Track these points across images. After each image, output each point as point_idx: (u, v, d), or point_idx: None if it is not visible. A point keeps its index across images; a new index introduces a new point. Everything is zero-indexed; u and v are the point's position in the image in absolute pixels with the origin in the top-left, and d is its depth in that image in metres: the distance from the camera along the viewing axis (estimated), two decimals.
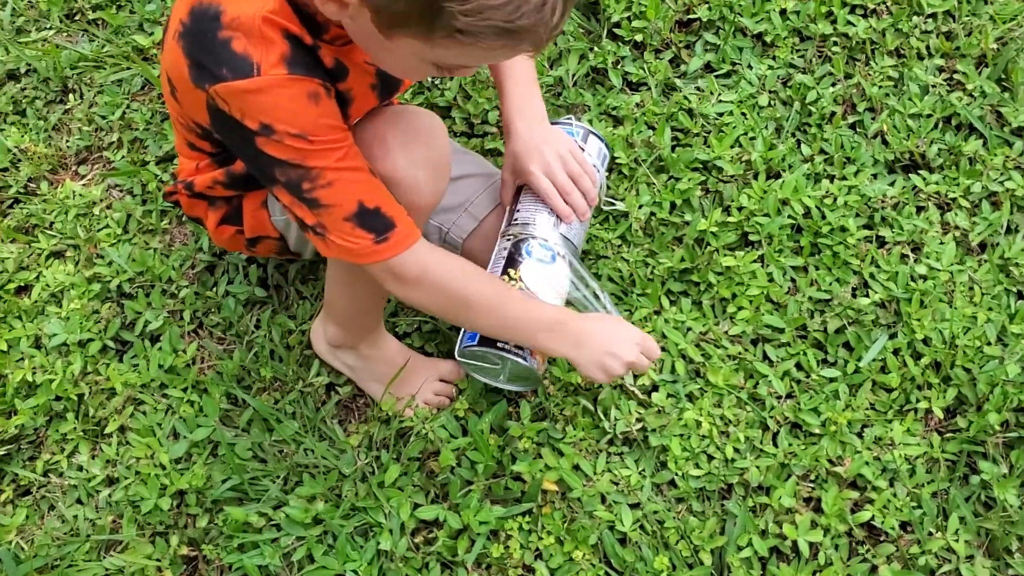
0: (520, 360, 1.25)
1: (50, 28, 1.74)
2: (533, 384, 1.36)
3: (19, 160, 1.62)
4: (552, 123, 1.37)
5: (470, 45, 0.91)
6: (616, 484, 1.35)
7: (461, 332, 1.29)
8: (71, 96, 1.68)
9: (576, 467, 1.36)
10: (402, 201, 1.16)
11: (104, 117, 1.66)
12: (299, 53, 1.00)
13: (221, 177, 1.23)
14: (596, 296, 1.32)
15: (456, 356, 1.29)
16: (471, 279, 1.18)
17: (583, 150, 1.37)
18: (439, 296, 1.16)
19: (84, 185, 1.61)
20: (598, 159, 1.39)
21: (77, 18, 1.76)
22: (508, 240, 1.32)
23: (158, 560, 1.31)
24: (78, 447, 1.41)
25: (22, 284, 1.52)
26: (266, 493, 1.34)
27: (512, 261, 1.29)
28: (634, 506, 1.34)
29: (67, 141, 1.65)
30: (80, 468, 1.39)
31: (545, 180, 1.32)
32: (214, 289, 1.51)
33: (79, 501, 1.38)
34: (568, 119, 1.40)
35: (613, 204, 1.46)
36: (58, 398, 1.43)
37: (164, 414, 1.42)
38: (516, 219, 1.34)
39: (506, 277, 1.28)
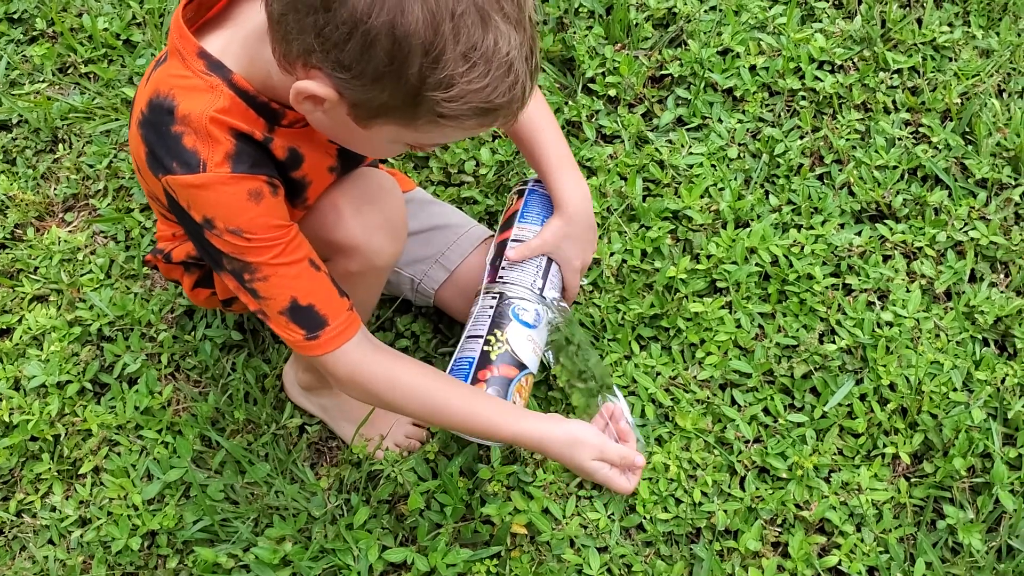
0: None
1: (43, 81, 1.80)
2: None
3: (7, 207, 1.66)
4: None
5: (450, 127, 0.95)
6: (585, 528, 1.36)
7: None
8: (60, 146, 1.73)
9: (545, 510, 1.37)
10: (361, 265, 1.21)
11: (92, 166, 1.70)
12: (246, 150, 1.03)
13: (194, 251, 1.27)
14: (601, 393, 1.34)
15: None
16: (406, 388, 1.16)
17: None
18: (371, 399, 1.18)
19: (70, 231, 1.65)
20: None
21: (70, 71, 1.81)
22: (493, 298, 1.33)
23: None
24: (52, 487, 1.42)
25: (4, 327, 1.55)
26: (236, 534, 1.35)
27: (498, 322, 1.30)
28: (602, 550, 1.35)
29: (55, 189, 1.69)
30: (53, 508, 1.40)
31: (578, 277, 1.38)
32: (192, 333, 1.53)
33: (51, 542, 1.39)
34: None
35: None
36: (34, 438, 1.44)
37: (139, 455, 1.44)
38: (502, 277, 1.35)
39: (492, 337, 1.29)
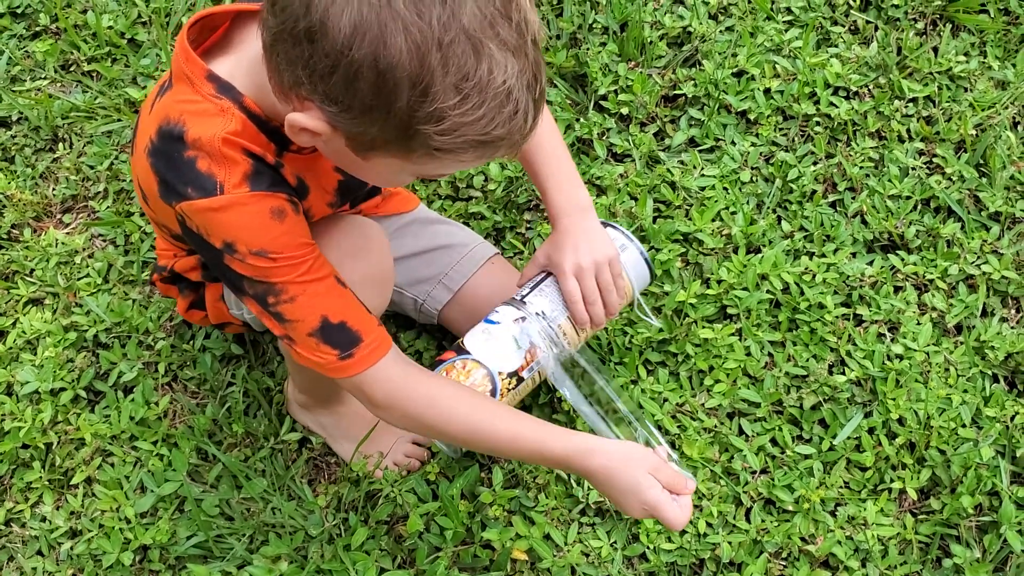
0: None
1: (44, 78, 1.76)
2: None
3: (4, 206, 1.63)
4: (603, 224, 1.32)
5: (448, 160, 0.92)
6: (587, 556, 1.34)
7: None
8: (61, 145, 1.69)
9: (547, 537, 1.34)
10: None
11: (92, 167, 1.66)
12: (263, 170, 1.00)
13: (191, 266, 1.25)
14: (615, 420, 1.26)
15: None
16: (446, 408, 1.11)
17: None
18: (409, 421, 1.12)
19: (67, 234, 1.61)
20: (633, 273, 1.35)
21: (72, 69, 1.78)
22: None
23: None
24: (43, 497, 1.39)
25: None
26: (231, 551, 1.32)
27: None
28: None
29: (53, 189, 1.65)
30: (43, 519, 1.37)
31: (572, 282, 1.26)
32: (191, 343, 1.50)
33: (40, 553, 1.36)
34: (620, 229, 1.37)
35: (647, 318, 1.40)
36: (25, 446, 1.41)
37: (132, 467, 1.40)
38: (523, 296, 1.31)
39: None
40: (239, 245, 1.00)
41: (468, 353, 1.25)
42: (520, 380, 1.27)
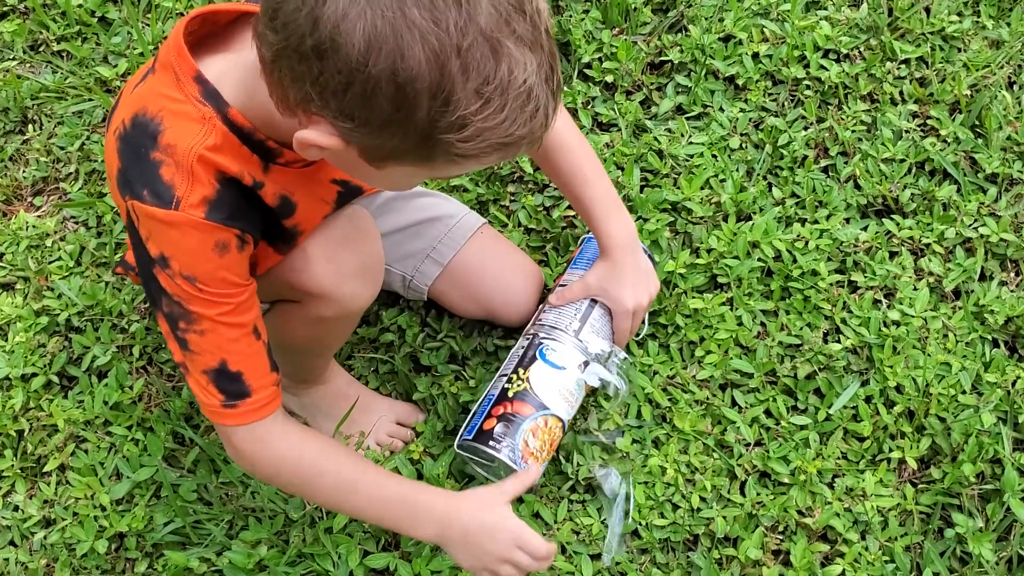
0: (511, 464, 1.22)
1: (13, 59, 1.72)
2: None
3: None
4: None
5: (469, 163, 0.89)
6: (577, 533, 1.30)
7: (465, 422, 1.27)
8: (30, 127, 1.65)
9: (536, 514, 1.31)
10: (336, 311, 1.15)
11: (63, 148, 1.62)
12: (227, 199, 0.96)
13: None
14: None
15: (455, 447, 1.27)
16: (312, 467, 1.10)
17: None
18: (272, 480, 1.13)
19: (38, 216, 1.57)
20: None
21: (41, 49, 1.73)
22: (526, 339, 1.32)
23: None
24: (15, 486, 1.35)
25: None
26: (209, 537, 1.29)
27: (523, 362, 1.28)
28: (595, 557, 1.28)
29: (23, 172, 1.61)
30: (16, 508, 1.33)
31: (630, 321, 1.32)
32: None
33: (12, 543, 1.32)
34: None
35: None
36: None
37: (107, 453, 1.36)
38: (539, 320, 1.34)
39: (515, 375, 1.27)
40: (173, 262, 0.97)
41: (549, 410, 1.26)
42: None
